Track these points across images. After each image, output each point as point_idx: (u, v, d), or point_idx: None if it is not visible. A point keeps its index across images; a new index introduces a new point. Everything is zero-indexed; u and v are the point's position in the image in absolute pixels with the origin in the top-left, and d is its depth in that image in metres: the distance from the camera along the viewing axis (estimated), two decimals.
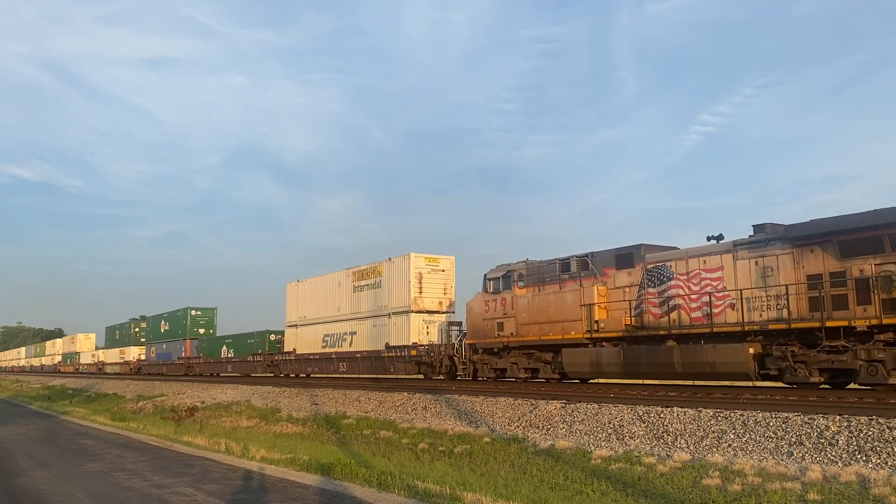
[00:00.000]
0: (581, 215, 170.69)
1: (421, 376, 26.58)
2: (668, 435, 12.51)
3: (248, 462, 12.87)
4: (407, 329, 26.74)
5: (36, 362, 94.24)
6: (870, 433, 10.27)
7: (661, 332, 17.44)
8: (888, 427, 10.22)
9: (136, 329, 63.96)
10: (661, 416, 13.30)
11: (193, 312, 51.33)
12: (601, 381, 22.49)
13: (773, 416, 11.82)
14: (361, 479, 10.33)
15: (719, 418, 12.42)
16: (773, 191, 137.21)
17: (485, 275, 23.04)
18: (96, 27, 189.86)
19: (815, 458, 10.23)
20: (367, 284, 29.85)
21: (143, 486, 10.57)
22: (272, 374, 38.14)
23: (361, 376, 30.39)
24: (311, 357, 33.93)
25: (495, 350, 22.26)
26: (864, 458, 9.79)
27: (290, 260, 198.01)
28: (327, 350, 32.41)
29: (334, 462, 11.63)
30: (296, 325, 35.95)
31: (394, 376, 27.59)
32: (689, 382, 18.44)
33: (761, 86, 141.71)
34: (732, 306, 16.15)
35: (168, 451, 15.03)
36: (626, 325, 18.19)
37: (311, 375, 35.28)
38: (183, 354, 50.07)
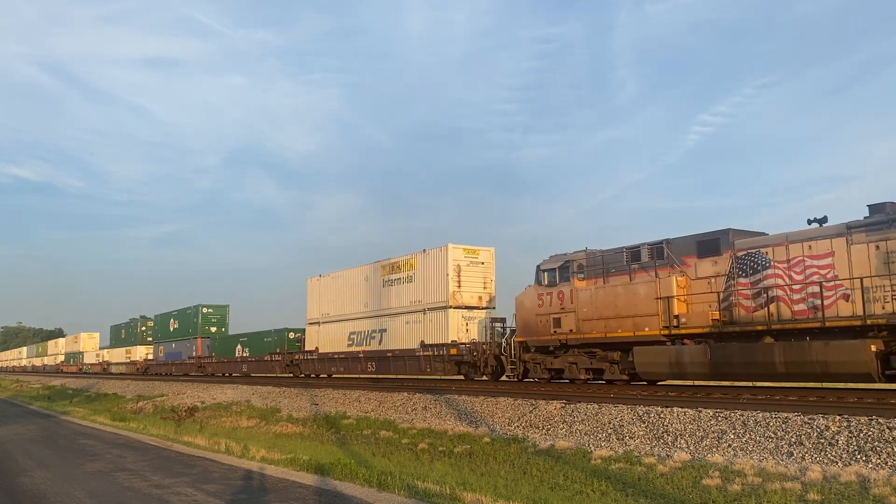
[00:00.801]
0: (581, 215, 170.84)
1: (461, 377, 25.11)
2: (668, 435, 12.51)
3: (248, 462, 12.87)
4: (445, 326, 24.95)
5: (38, 362, 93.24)
6: (870, 433, 10.27)
7: (758, 328, 15.52)
8: (888, 427, 10.21)
9: (143, 328, 62.29)
10: (661, 416, 13.30)
11: (205, 310, 49.17)
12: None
13: (773, 416, 11.81)
14: (361, 479, 10.33)
15: (719, 418, 12.41)
16: (772, 191, 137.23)
17: (538, 266, 21.05)
18: (96, 27, 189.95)
19: (815, 458, 10.23)
20: (399, 279, 27.92)
21: (143, 486, 10.57)
22: (291, 375, 36.23)
23: (393, 376, 28.63)
24: (336, 356, 31.83)
25: (550, 349, 20.35)
26: (864, 458, 9.79)
27: (289, 260, 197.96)
28: (354, 349, 30.46)
29: (334, 462, 11.63)
30: (317, 323, 33.98)
31: (431, 377, 26.05)
32: (698, 383, 18.21)
33: (761, 86, 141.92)
34: (846, 297, 14.27)
35: (168, 451, 15.03)
36: (713, 319, 16.28)
37: (335, 376, 33.15)
38: (194, 354, 48.08)
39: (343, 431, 18.38)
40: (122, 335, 67.11)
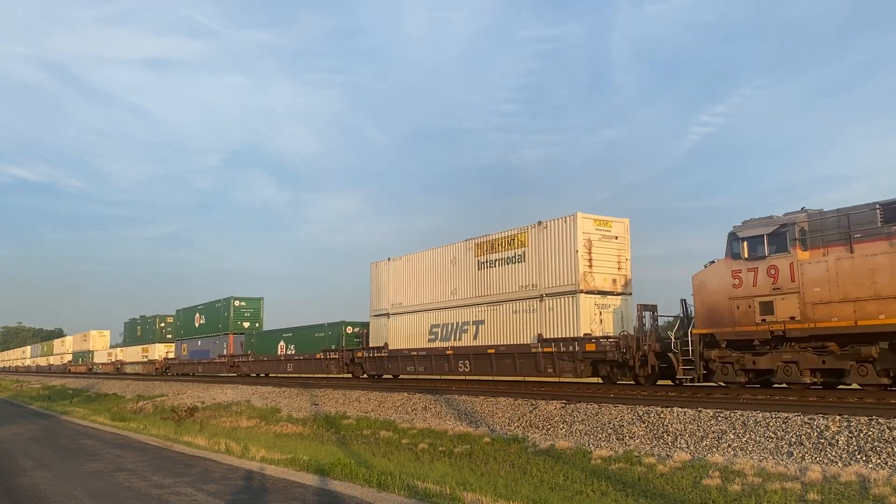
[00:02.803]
0: None
1: (596, 379, 20.81)
2: (668, 435, 12.52)
3: (249, 462, 12.87)
4: (573, 315, 20.20)
5: (43, 362, 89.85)
6: (870, 433, 10.27)
7: None
8: (888, 427, 10.22)
9: (162, 324, 56.79)
10: (661, 416, 13.31)
11: (237, 303, 43.99)
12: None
13: (773, 416, 11.82)
14: (361, 480, 10.33)
15: (719, 418, 12.42)
16: (771, 191, 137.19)
17: (731, 233, 16.31)
18: (96, 28, 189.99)
19: (815, 458, 10.23)
20: (503, 259, 23.14)
21: (143, 486, 10.57)
22: (350, 375, 31.92)
23: (498, 378, 24.38)
24: (414, 353, 26.69)
25: (755, 343, 15.77)
26: (864, 459, 9.79)
27: (290, 259, 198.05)
28: (438, 345, 25.60)
29: (334, 462, 11.63)
30: (386, 314, 29.06)
31: (553, 379, 21.97)
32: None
33: (759, 86, 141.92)
34: None
35: (168, 452, 15.03)
36: None
37: (415, 376, 27.89)
38: (225, 352, 43.05)
39: (343, 431, 18.38)
40: (137, 332, 61.65)
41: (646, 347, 18.47)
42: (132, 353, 60.49)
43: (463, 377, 25.15)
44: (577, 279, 20.24)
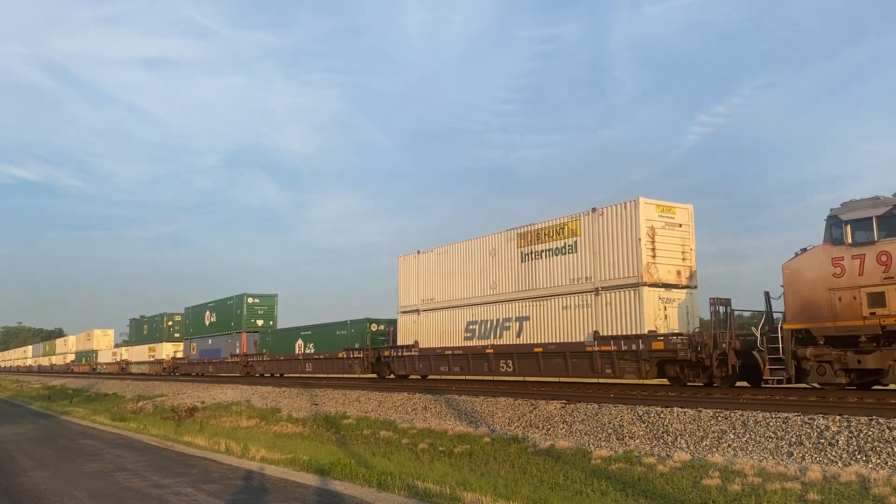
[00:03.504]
0: None
1: (660, 381, 19.29)
2: (668, 435, 12.52)
3: (249, 462, 12.87)
4: (636, 310, 18.42)
5: (45, 361, 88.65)
6: (870, 433, 10.27)
7: None
8: (888, 427, 10.22)
9: (170, 322, 54.88)
10: (661, 416, 13.31)
11: (250, 300, 42.26)
12: (601, 380, 20.27)
13: (773, 416, 11.82)
14: (361, 479, 10.34)
15: (719, 418, 12.42)
16: (771, 191, 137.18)
17: (831, 216, 14.56)
18: (96, 28, 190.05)
19: (815, 458, 10.23)
20: (551, 250, 21.27)
21: (143, 486, 10.57)
22: (375, 376, 30.12)
23: (546, 379, 22.96)
24: (448, 353, 24.87)
25: (860, 339, 14.01)
26: (864, 459, 9.79)
27: (290, 259, 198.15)
28: (476, 343, 23.88)
29: (334, 462, 11.64)
30: (416, 311, 27.25)
31: (612, 380, 20.30)
32: (698, 382, 17.82)
33: (759, 86, 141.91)
34: None
35: (168, 451, 15.03)
36: None
37: (448, 377, 26.17)
38: (238, 351, 41.35)
39: (343, 431, 18.38)
40: (143, 331, 59.66)
41: (725, 345, 16.54)
42: (138, 353, 58.89)
43: (505, 377, 23.50)
44: (639, 271, 18.43)
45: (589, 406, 15.14)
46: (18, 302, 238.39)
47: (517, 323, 22.34)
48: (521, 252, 22.45)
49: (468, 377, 25.56)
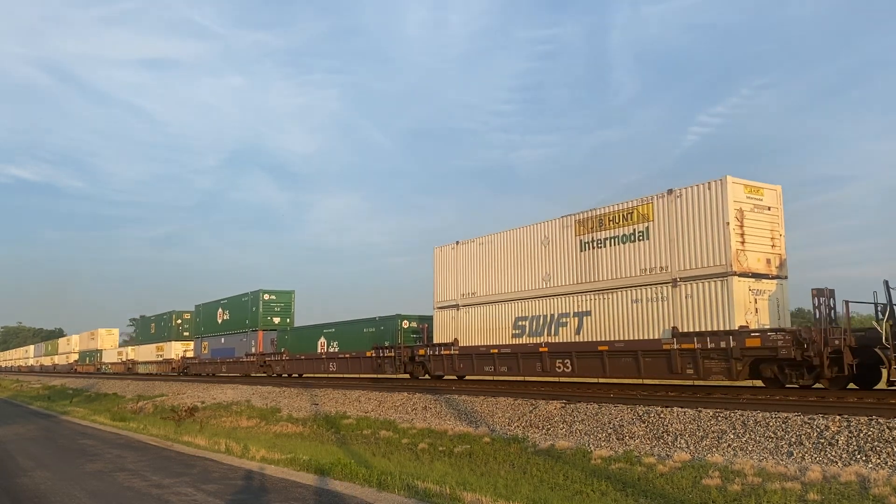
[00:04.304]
0: None
1: (753, 382, 17.28)
2: (668, 435, 12.52)
3: (249, 462, 12.88)
4: (724, 304, 16.46)
5: (47, 361, 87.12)
6: (870, 433, 10.27)
7: None
8: (888, 427, 10.22)
9: (179, 320, 52.83)
10: (661, 416, 13.31)
11: (266, 296, 40.41)
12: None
13: (773, 416, 11.82)
14: (361, 479, 10.34)
15: (719, 418, 12.42)
16: None
17: None
18: (96, 28, 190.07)
19: (815, 458, 10.23)
20: (616, 237, 19.25)
21: (143, 485, 10.57)
22: (408, 376, 28.03)
23: (612, 380, 20.82)
24: (494, 351, 22.75)
25: None
26: (864, 458, 9.79)
27: (290, 259, 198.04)
28: (527, 340, 21.77)
29: (334, 462, 11.65)
30: (455, 306, 25.27)
31: (693, 382, 18.11)
32: (689, 382, 17.87)
33: (758, 87, 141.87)
34: None
35: (168, 451, 15.03)
36: None
37: (494, 378, 24.14)
38: (253, 350, 39.55)
39: (343, 431, 18.38)
40: (150, 330, 57.59)
41: (838, 342, 14.44)
42: (145, 352, 57.02)
43: (562, 378, 21.55)
44: (728, 258, 16.48)
45: (589, 406, 15.14)
46: (18, 302, 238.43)
47: (576, 319, 20.29)
48: (581, 240, 20.35)
49: (516, 378, 23.92)
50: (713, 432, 12.03)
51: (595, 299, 19.73)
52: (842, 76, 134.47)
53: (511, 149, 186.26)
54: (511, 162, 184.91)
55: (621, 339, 18.68)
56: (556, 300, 21.07)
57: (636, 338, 18.28)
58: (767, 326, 16.38)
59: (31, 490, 10.59)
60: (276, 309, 40.67)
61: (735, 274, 16.43)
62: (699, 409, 13.18)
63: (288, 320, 40.89)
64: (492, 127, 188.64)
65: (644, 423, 13.33)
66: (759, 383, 16.99)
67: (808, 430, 10.97)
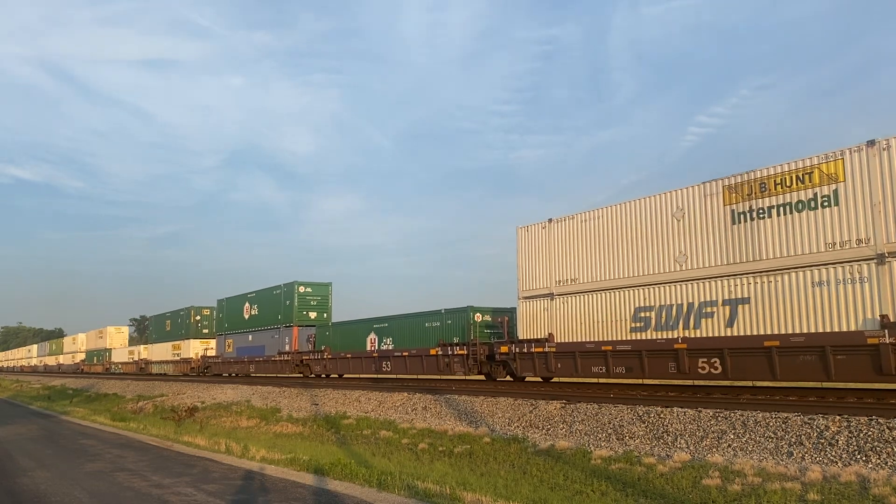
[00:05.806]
0: None
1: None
2: (668, 435, 12.53)
3: (249, 462, 12.88)
4: None
5: (51, 361, 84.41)
6: (870, 433, 10.28)
7: None
8: (888, 427, 10.23)
9: (198, 317, 49.14)
10: (661, 416, 13.32)
11: (302, 289, 36.89)
12: (602, 380, 19.51)
13: (773, 416, 11.83)
14: (361, 479, 10.35)
15: (719, 418, 12.43)
16: None
17: None
18: (96, 29, 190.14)
19: (815, 458, 10.24)
20: (787, 205, 15.47)
21: (144, 485, 10.58)
22: (483, 378, 25.07)
23: (780, 385, 16.75)
24: (608, 349, 18.69)
25: None
26: (863, 459, 9.80)
27: (290, 259, 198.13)
28: (652, 335, 17.88)
29: (334, 462, 11.65)
30: (549, 295, 21.11)
31: None
32: (698, 382, 17.65)
33: (758, 87, 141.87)
34: None
35: (168, 451, 15.04)
36: None
37: (606, 381, 20.58)
38: (287, 347, 36.23)
39: (343, 431, 18.38)
40: (166, 327, 53.90)
41: None
42: (160, 351, 53.47)
43: (707, 383, 18.13)
44: None
45: (589, 406, 15.15)
46: (18, 302, 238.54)
47: (726, 308, 16.49)
48: (732, 210, 16.62)
49: (637, 381, 20.26)
50: (713, 432, 12.03)
51: (754, 283, 16.01)
52: (842, 76, 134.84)
53: (511, 149, 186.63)
54: (511, 162, 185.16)
55: (799, 332, 14.97)
56: (695, 285, 17.27)
57: (818, 330, 14.69)
58: None
59: (32, 490, 10.59)
60: (312, 303, 37.23)
61: None
62: (699, 409, 13.19)
63: (325, 315, 37.39)
64: (492, 127, 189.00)
65: (644, 423, 13.34)
66: None
67: (808, 431, 10.97)
